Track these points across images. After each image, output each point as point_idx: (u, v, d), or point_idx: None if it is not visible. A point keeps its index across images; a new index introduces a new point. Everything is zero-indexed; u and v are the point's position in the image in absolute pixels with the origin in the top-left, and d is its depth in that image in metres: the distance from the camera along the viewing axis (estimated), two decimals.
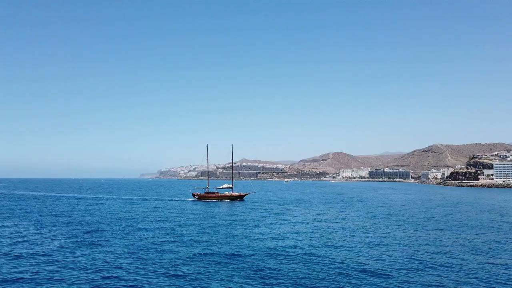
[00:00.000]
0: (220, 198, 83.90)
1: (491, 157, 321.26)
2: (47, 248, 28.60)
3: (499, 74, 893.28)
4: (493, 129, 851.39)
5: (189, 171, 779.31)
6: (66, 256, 26.12)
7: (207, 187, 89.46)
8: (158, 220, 46.30)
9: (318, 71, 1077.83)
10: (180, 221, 45.39)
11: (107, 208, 63.81)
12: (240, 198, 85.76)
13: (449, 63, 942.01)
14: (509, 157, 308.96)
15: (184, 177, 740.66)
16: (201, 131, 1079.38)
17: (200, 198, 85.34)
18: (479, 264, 24.11)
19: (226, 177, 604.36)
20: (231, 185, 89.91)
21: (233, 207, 67.57)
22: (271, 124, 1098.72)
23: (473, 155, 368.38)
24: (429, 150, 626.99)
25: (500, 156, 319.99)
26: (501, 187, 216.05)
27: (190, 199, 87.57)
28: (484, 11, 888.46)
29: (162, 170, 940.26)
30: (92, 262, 24.45)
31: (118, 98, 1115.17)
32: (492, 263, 24.44)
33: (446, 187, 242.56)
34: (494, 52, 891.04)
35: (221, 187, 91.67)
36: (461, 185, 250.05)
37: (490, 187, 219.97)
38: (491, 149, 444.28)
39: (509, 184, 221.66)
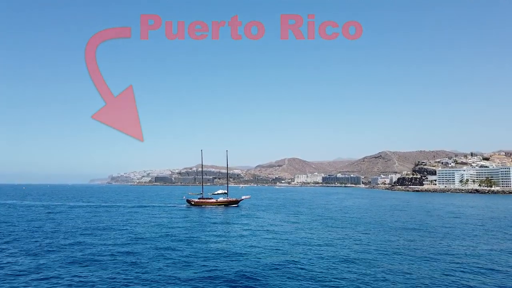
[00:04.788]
0: (217, 203, 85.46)
1: (434, 164, 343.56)
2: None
3: (441, 85, 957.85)
4: (436, 137, 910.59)
5: (143, 176, 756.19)
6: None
7: (201, 193, 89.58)
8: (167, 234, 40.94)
9: (274, 77, 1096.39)
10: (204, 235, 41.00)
11: (112, 218, 58.30)
12: (236, 203, 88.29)
13: (395, 71, 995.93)
14: (450, 164, 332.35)
15: (138, 182, 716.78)
16: (155, 135, 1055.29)
17: (196, 204, 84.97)
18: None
19: (181, 182, 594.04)
20: (225, 191, 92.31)
21: (231, 212, 69.48)
22: (227, 129, 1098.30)
23: (418, 161, 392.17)
24: (379, 156, 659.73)
25: (442, 163, 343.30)
26: (443, 191, 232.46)
27: (184, 205, 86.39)
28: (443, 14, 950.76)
29: (113, 175, 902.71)
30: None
31: (65, 100, 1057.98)
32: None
33: (394, 191, 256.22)
34: (435, 60, 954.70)
35: (215, 192, 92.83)
36: (407, 190, 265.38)
37: (433, 191, 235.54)
38: (434, 156, 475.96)
39: (450, 189, 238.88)
